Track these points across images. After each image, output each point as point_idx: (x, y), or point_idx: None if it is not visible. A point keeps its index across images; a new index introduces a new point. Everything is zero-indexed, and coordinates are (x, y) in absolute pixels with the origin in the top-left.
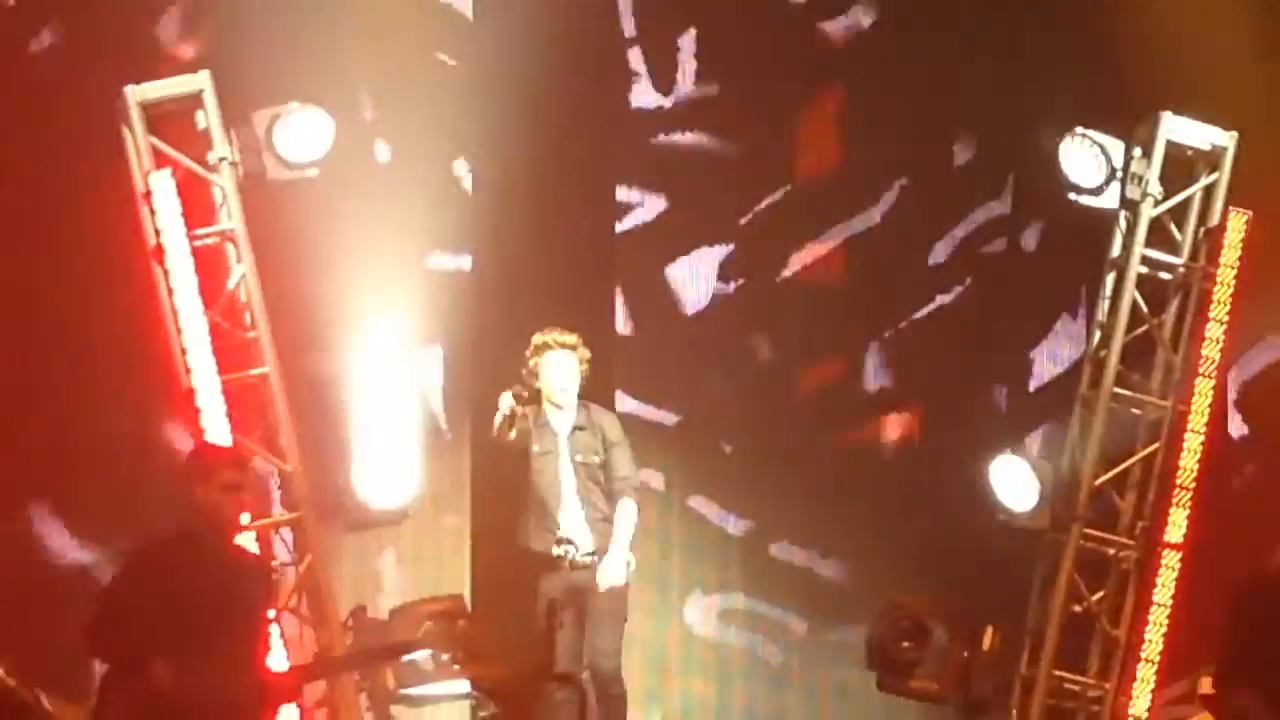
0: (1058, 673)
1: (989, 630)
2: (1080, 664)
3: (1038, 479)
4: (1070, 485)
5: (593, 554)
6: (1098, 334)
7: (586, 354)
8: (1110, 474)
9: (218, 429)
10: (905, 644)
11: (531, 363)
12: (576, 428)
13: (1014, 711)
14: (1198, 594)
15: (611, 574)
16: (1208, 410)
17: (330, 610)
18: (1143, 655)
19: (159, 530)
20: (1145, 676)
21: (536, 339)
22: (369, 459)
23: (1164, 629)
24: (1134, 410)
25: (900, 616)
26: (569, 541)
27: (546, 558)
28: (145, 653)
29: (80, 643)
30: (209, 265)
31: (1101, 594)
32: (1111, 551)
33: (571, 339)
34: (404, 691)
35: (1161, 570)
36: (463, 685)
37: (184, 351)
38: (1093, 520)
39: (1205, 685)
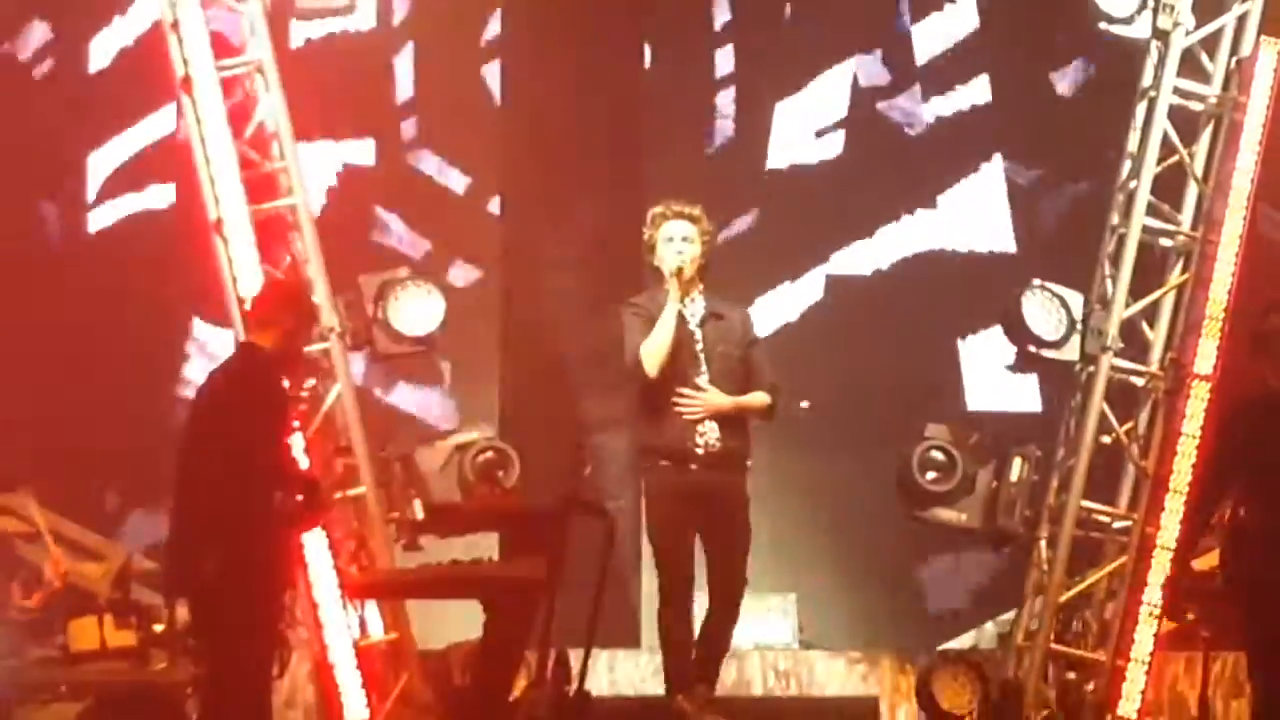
0: (1086, 504)
1: (1017, 461)
2: (1109, 495)
3: (1068, 309)
4: (1100, 316)
5: (718, 447)
6: (1128, 165)
7: (710, 227)
8: (1140, 305)
9: (246, 259)
10: (933, 474)
11: (647, 236)
12: (713, 314)
13: (1041, 543)
14: None
15: (715, 398)
16: (1238, 241)
17: (358, 440)
18: (1171, 486)
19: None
20: (1173, 508)
21: (653, 210)
22: (399, 288)
23: (1192, 460)
24: (1164, 241)
25: (929, 447)
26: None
27: (667, 455)
28: None
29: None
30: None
31: (1130, 425)
32: (1141, 382)
33: (694, 209)
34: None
35: (1190, 401)
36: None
37: (212, 181)
38: (1122, 351)
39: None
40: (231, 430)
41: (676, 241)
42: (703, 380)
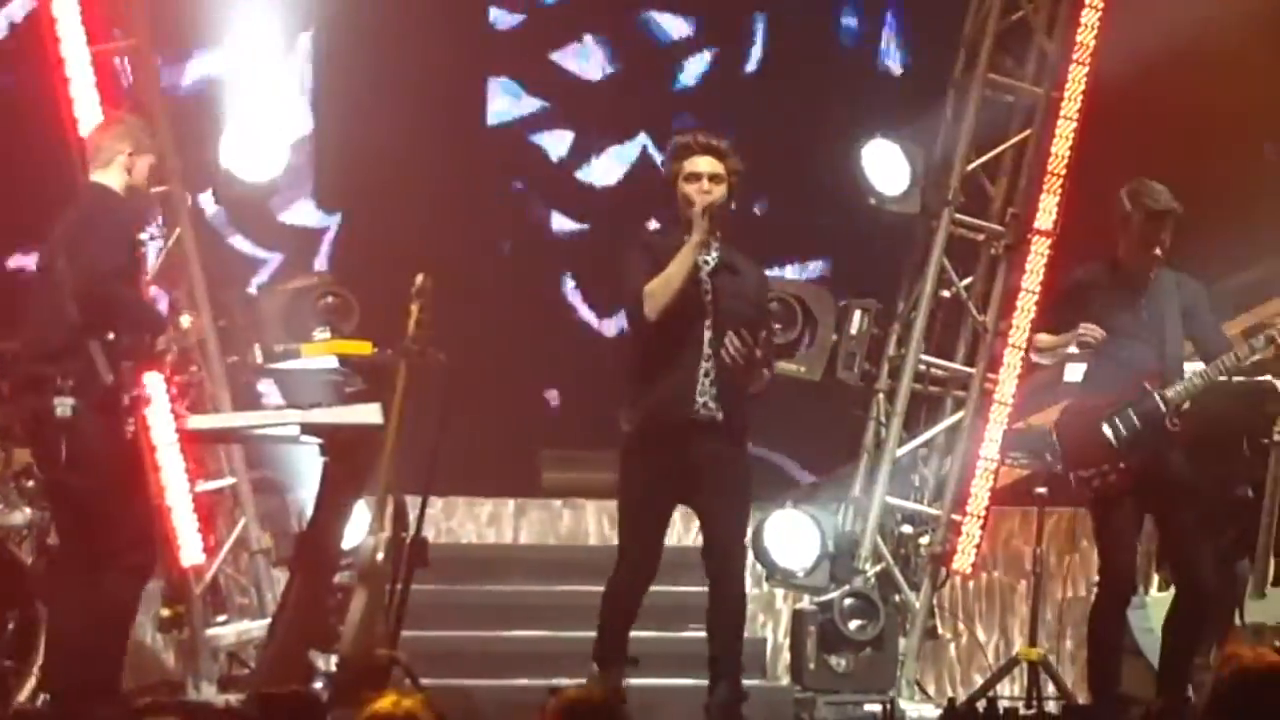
0: (924, 357)
1: (857, 313)
2: (948, 349)
3: (909, 163)
4: (942, 170)
5: (717, 415)
6: (970, 20)
7: (738, 166)
8: (982, 159)
9: (87, 101)
10: (775, 325)
11: (669, 168)
12: (727, 266)
13: (880, 396)
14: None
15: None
16: (1081, 97)
17: (197, 285)
18: (1010, 341)
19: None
20: (1012, 362)
21: (678, 139)
22: (239, 133)
23: (1031, 315)
24: (1007, 96)
25: (770, 299)
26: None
27: (659, 418)
28: None
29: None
30: None
31: (971, 279)
32: (981, 237)
33: (722, 143)
34: (270, 366)
35: (1031, 256)
36: (330, 361)
37: (54, 21)
38: (963, 205)
39: (1071, 373)
40: (80, 268)
41: (703, 180)
42: (707, 331)
